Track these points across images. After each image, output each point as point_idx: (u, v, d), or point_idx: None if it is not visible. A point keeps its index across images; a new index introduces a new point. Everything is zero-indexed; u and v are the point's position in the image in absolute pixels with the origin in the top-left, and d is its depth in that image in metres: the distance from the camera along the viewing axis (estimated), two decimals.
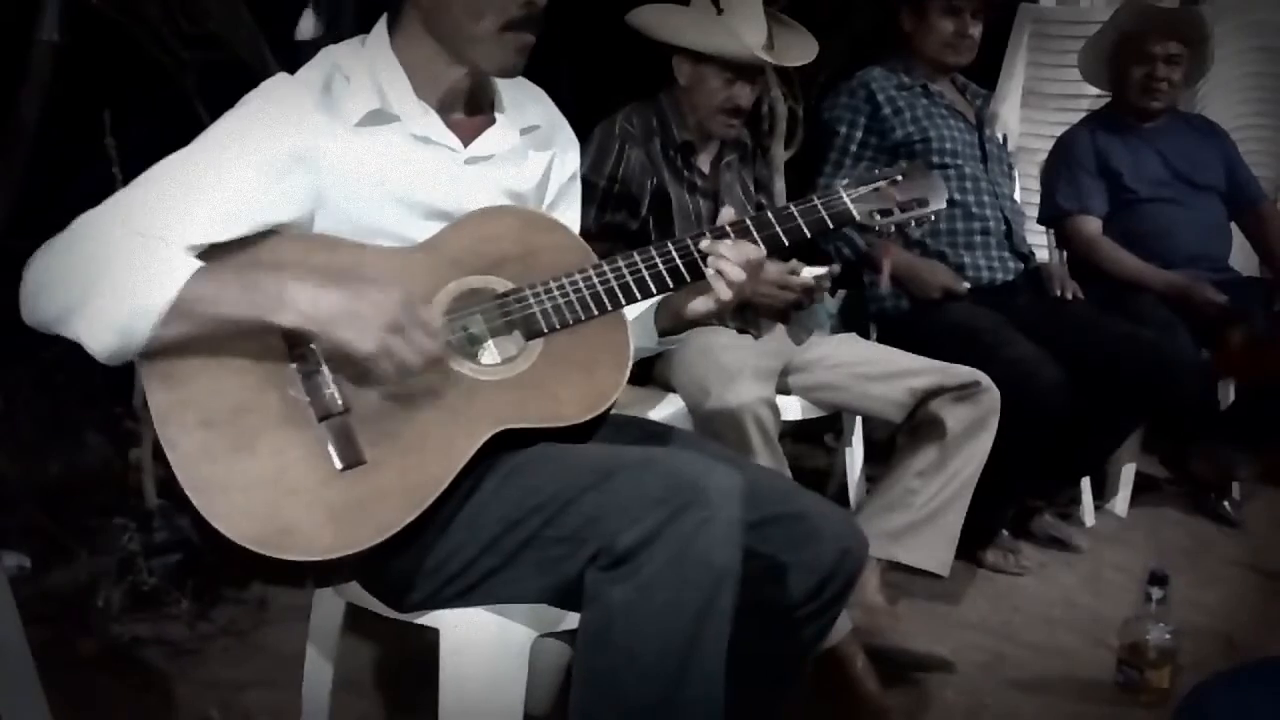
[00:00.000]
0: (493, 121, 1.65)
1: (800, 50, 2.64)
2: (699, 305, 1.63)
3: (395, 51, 1.58)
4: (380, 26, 1.60)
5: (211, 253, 1.43)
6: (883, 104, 3.05)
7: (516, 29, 1.55)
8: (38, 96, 2.60)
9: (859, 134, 3.07)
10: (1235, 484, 3.35)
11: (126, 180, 1.48)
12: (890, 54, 3.16)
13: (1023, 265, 3.14)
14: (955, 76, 3.21)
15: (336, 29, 1.59)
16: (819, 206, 1.65)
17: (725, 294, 1.58)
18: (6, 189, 2.57)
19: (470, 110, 1.64)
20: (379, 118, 1.55)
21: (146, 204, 1.42)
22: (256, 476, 1.37)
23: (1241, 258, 3.58)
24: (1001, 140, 3.48)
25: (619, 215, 2.50)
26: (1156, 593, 2.26)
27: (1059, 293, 3.13)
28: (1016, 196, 3.35)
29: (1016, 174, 3.53)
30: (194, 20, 2.65)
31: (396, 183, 1.55)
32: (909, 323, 2.99)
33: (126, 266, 1.35)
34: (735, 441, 2.22)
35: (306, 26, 1.64)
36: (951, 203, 3.00)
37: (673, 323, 1.71)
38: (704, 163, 2.63)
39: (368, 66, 1.56)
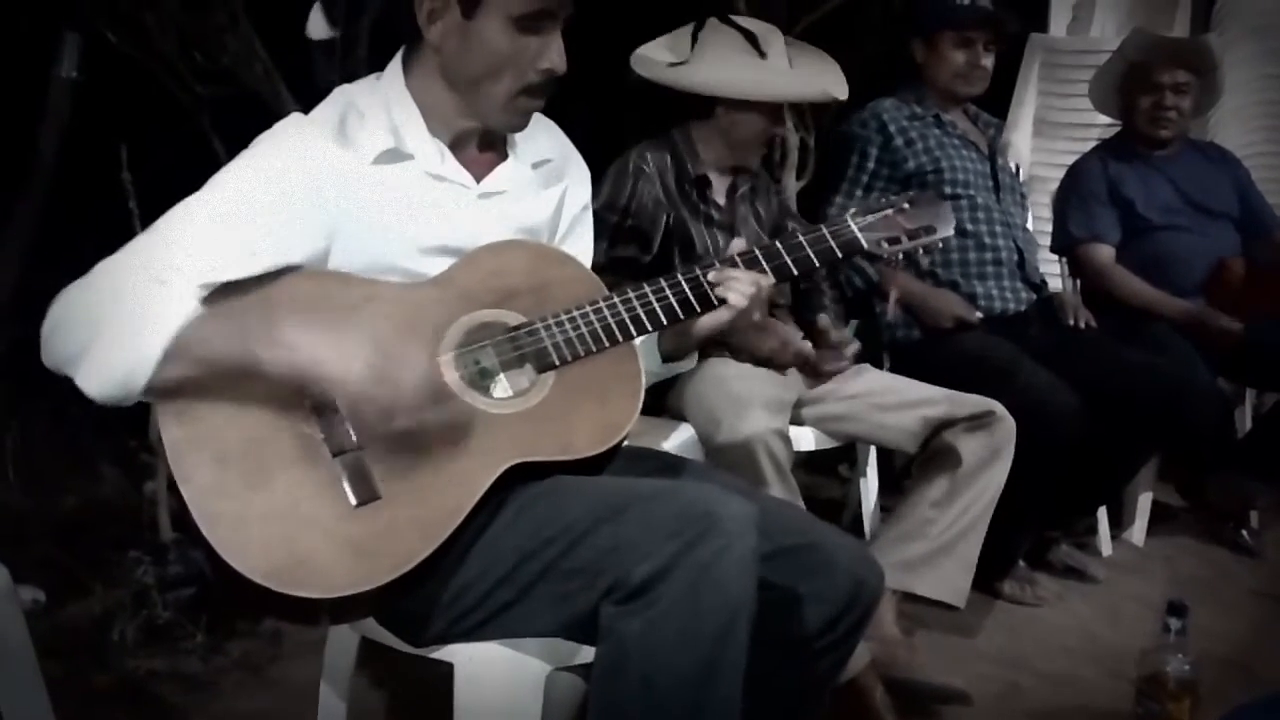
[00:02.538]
0: (505, 157, 1.66)
1: (834, 74, 2.67)
2: (705, 322, 1.63)
3: (410, 90, 1.59)
4: (395, 64, 1.61)
5: (227, 290, 1.43)
6: (894, 134, 3.05)
7: (531, 94, 1.57)
8: (56, 133, 2.62)
9: (871, 164, 3.08)
10: (1253, 513, 3.33)
11: (143, 215, 1.49)
12: (902, 84, 3.17)
13: (1035, 295, 3.13)
14: (967, 106, 3.22)
15: (347, 31, 1.58)
16: (827, 235, 1.65)
17: (725, 316, 1.60)
18: (25, 225, 2.58)
19: (483, 146, 1.65)
20: (393, 156, 1.56)
21: (164, 247, 1.43)
22: (271, 512, 1.37)
23: None
24: (1014, 170, 3.48)
25: (629, 250, 2.49)
26: (1175, 624, 2.23)
27: (1072, 322, 3.13)
28: (1029, 226, 3.35)
29: (1029, 203, 3.54)
30: (209, 56, 2.67)
31: (410, 219, 1.56)
32: (922, 353, 2.98)
33: (129, 312, 1.35)
34: (748, 473, 2.21)
35: (317, 25, 1.63)
36: (964, 233, 3.00)
37: (677, 343, 1.71)
38: (719, 195, 2.63)
39: (382, 104, 1.57)
